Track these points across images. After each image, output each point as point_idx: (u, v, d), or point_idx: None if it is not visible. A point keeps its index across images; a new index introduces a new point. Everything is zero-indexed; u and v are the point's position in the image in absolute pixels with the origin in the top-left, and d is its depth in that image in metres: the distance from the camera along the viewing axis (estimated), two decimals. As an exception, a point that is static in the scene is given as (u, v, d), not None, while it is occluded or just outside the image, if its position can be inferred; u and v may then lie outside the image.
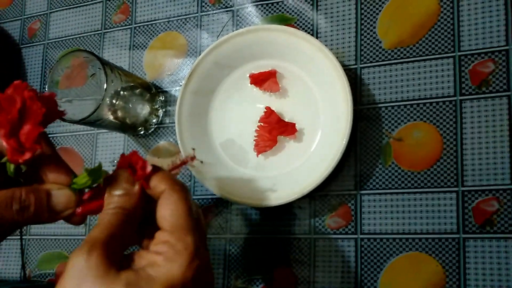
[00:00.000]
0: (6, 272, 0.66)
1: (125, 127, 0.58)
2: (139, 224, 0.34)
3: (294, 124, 0.53)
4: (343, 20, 0.55)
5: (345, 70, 0.50)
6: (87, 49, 0.66)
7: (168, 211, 0.32)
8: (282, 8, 0.58)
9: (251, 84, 0.55)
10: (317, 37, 0.55)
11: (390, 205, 0.50)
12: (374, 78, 0.52)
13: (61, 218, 0.34)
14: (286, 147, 0.54)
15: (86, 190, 0.34)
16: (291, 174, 0.52)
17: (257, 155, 0.53)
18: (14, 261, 0.66)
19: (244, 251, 0.54)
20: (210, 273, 0.33)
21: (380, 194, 0.50)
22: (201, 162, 0.39)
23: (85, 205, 0.34)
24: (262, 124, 0.53)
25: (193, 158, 0.36)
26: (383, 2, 0.53)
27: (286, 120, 0.54)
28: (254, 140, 0.54)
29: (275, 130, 0.53)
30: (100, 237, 0.30)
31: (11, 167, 0.33)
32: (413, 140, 0.50)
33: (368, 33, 0.53)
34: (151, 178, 0.33)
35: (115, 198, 0.33)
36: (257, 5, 0.59)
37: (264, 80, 0.55)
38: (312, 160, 0.52)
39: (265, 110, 0.53)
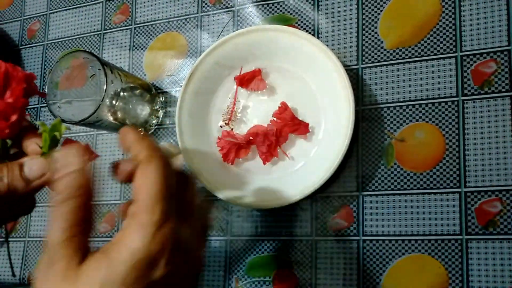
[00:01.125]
0: (5, 275, 0.65)
1: (125, 128, 0.58)
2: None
3: (308, 124, 0.52)
4: (344, 20, 0.54)
5: (346, 70, 0.49)
6: (87, 50, 0.66)
7: (140, 180, 0.30)
8: (283, 8, 0.57)
9: (237, 86, 0.55)
10: (318, 37, 0.55)
11: (392, 206, 0.49)
12: (376, 78, 0.52)
13: (40, 185, 0.35)
14: (288, 149, 0.53)
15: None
16: (293, 176, 0.52)
17: (264, 163, 0.53)
18: (13, 263, 0.65)
19: (245, 253, 0.54)
20: (191, 253, 0.31)
21: (382, 195, 0.50)
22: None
23: None
24: (275, 119, 0.52)
25: None
26: (384, 2, 0.53)
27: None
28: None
29: (288, 127, 0.52)
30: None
31: None
32: (415, 140, 0.49)
33: (370, 33, 0.53)
34: (132, 145, 0.32)
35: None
36: (257, 5, 0.58)
37: (250, 79, 0.54)
38: (313, 161, 0.51)
39: (280, 105, 0.52)
